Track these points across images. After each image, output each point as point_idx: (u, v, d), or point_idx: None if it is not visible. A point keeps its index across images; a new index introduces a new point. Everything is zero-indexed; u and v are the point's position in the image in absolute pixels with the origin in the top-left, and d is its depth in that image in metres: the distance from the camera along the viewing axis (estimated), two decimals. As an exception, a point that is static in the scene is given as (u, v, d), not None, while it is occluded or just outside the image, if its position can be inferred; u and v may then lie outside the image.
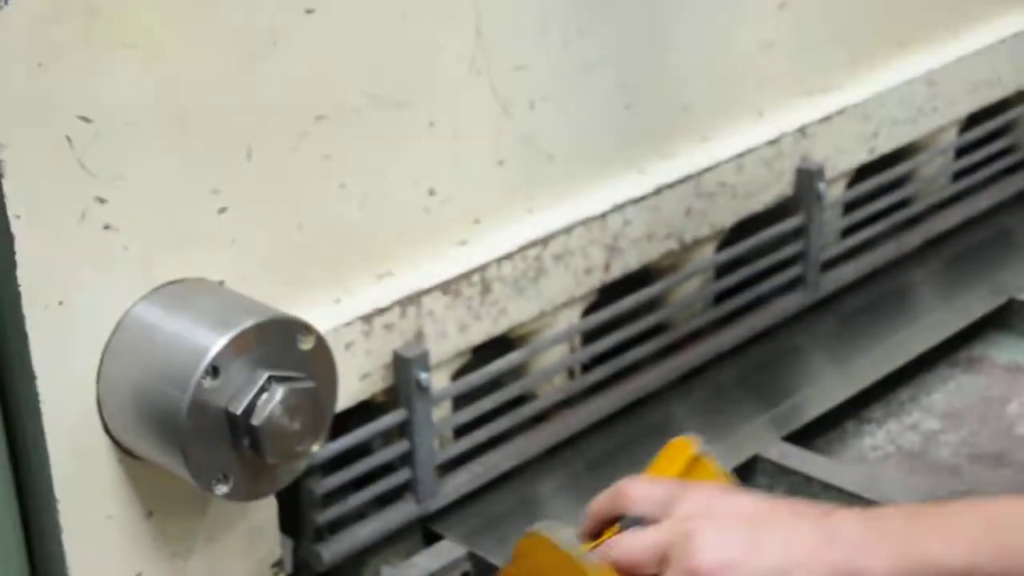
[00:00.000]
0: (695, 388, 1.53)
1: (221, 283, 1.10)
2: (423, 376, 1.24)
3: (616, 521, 0.99)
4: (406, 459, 1.27)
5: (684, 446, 1.05)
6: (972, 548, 0.87)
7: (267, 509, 1.16)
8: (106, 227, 1.01)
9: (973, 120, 1.79)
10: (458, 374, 1.32)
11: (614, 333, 1.44)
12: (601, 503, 1.01)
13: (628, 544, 0.93)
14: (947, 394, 1.57)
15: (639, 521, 0.97)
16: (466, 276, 1.29)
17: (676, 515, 0.93)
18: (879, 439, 1.48)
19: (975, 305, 1.66)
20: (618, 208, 1.41)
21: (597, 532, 1.00)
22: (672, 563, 0.90)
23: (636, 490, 0.98)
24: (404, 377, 1.24)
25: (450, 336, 1.29)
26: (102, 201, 1.00)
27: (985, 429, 1.50)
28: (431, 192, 1.27)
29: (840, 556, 0.88)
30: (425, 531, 1.31)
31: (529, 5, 1.30)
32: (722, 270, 1.55)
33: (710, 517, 0.92)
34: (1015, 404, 1.54)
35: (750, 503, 0.93)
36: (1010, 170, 1.85)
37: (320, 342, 1.06)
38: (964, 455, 1.46)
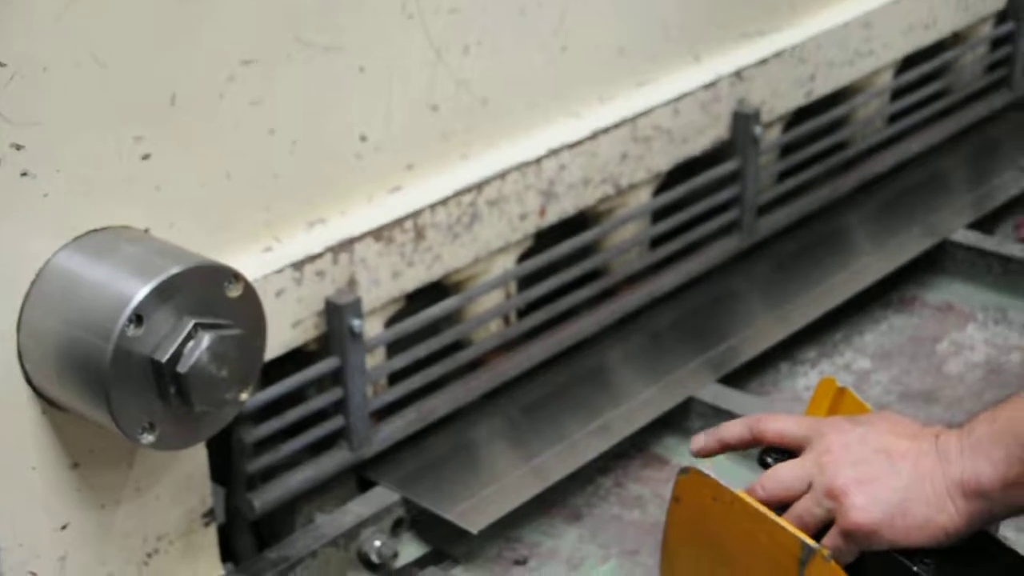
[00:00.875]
0: (631, 333, 1.52)
1: (146, 231, 1.08)
2: (356, 323, 1.22)
3: (744, 449, 1.13)
4: (339, 406, 1.25)
5: (829, 384, 1.16)
6: None
7: (197, 458, 1.14)
8: (24, 174, 0.98)
9: (908, 63, 1.79)
10: (392, 321, 1.30)
11: (550, 279, 1.43)
12: (735, 432, 1.11)
13: (779, 476, 1.05)
14: (879, 334, 1.58)
15: (782, 455, 1.08)
16: (399, 222, 1.27)
17: (815, 450, 1.05)
18: (812, 379, 1.49)
19: (908, 247, 1.66)
20: (553, 153, 1.40)
21: (718, 452, 1.13)
22: (815, 487, 1.03)
23: (774, 426, 1.09)
24: (336, 324, 1.22)
25: (383, 283, 1.27)
26: (18, 147, 0.97)
27: (915, 368, 1.51)
28: (363, 138, 1.25)
29: (956, 469, 1.00)
30: (359, 478, 1.30)
31: (460, -53, 1.28)
32: (658, 215, 1.54)
33: (845, 451, 1.03)
34: (945, 343, 1.55)
35: (876, 433, 1.05)
36: (943, 113, 1.85)
37: (248, 289, 1.04)
38: (895, 393, 1.47)
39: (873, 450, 1.03)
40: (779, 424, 1.09)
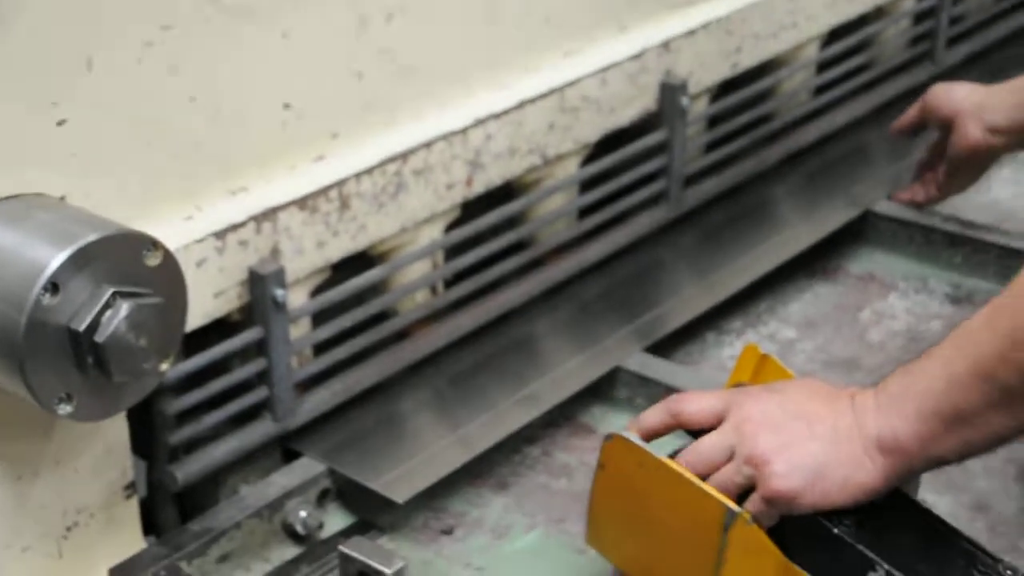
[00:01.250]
0: (559, 303, 1.52)
1: (62, 199, 1.06)
2: (279, 293, 1.21)
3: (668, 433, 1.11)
4: (263, 377, 1.24)
5: (753, 352, 1.16)
6: (948, 371, 0.99)
7: (117, 430, 1.12)
8: (-67, 140, 0.96)
9: (833, 36, 1.80)
10: (317, 291, 1.29)
11: (477, 249, 1.43)
12: (655, 419, 1.09)
13: (701, 449, 1.05)
14: (804, 304, 1.59)
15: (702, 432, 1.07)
16: (323, 192, 1.26)
17: (734, 419, 1.04)
18: (737, 349, 1.50)
19: (832, 217, 1.67)
20: (480, 123, 1.39)
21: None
22: (736, 455, 1.03)
23: (691, 406, 1.08)
24: (260, 294, 1.21)
25: (307, 253, 1.26)
26: (-73, 112, 0.95)
27: (839, 336, 1.53)
28: (286, 106, 1.24)
29: (873, 427, 1.01)
30: (284, 449, 1.29)
31: (384, -88, 1.26)
32: (586, 185, 1.54)
33: (763, 418, 1.03)
34: (867, 312, 1.57)
35: (793, 400, 1.05)
36: (867, 86, 1.87)
37: (168, 257, 1.03)
38: (819, 361, 1.49)
39: (792, 416, 1.03)
40: (696, 404, 1.09)
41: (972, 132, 1.55)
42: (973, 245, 1.63)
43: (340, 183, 1.27)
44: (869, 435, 1.01)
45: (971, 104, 1.55)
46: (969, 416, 0.97)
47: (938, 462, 1.01)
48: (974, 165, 1.59)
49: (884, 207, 1.69)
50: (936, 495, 1.27)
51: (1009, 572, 0.99)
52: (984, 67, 1.99)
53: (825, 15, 1.76)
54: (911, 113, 1.64)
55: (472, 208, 1.42)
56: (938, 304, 1.59)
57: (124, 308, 0.98)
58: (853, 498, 1.01)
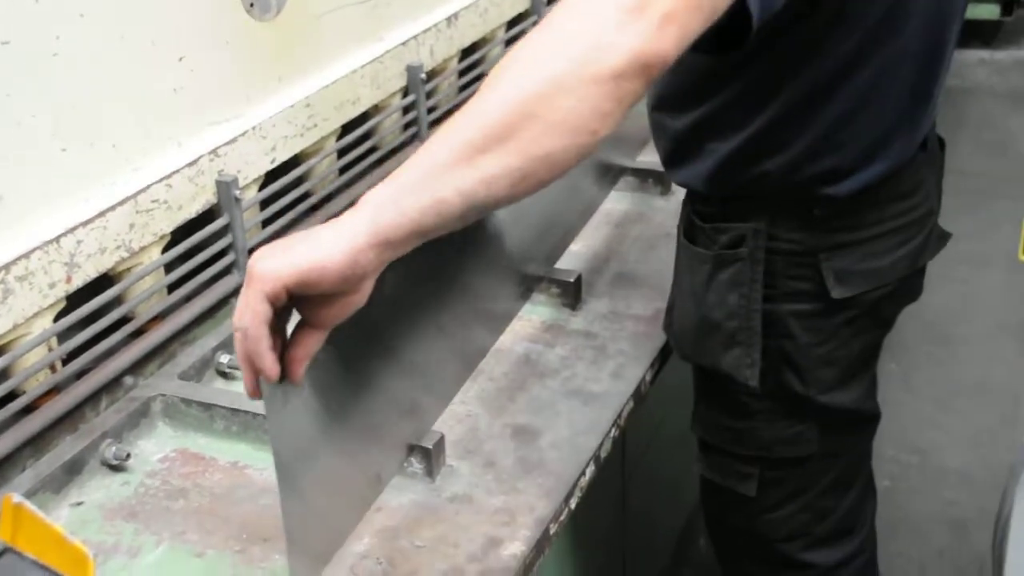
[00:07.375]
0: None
1: None
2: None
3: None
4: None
5: (7, 504, 0.89)
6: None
7: None
8: None
9: (346, 129, 1.88)
10: (-54, 387, 1.21)
11: (87, 329, 1.39)
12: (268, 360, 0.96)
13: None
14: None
15: None
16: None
17: None
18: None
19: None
20: (70, 231, 1.35)
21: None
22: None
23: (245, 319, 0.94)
24: None
25: (-69, 358, 1.18)
26: None
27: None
28: None
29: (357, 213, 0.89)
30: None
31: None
32: (171, 266, 1.53)
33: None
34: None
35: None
36: (373, 165, 1.95)
37: None
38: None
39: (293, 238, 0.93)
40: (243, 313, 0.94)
41: None
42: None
43: (-45, 297, 1.20)
44: (358, 215, 0.91)
45: None
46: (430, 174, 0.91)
47: (410, 219, 0.90)
48: None
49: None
50: (458, 460, 1.32)
51: None
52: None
53: (336, 116, 1.83)
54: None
55: (77, 297, 1.38)
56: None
57: None
58: (333, 248, 0.90)
